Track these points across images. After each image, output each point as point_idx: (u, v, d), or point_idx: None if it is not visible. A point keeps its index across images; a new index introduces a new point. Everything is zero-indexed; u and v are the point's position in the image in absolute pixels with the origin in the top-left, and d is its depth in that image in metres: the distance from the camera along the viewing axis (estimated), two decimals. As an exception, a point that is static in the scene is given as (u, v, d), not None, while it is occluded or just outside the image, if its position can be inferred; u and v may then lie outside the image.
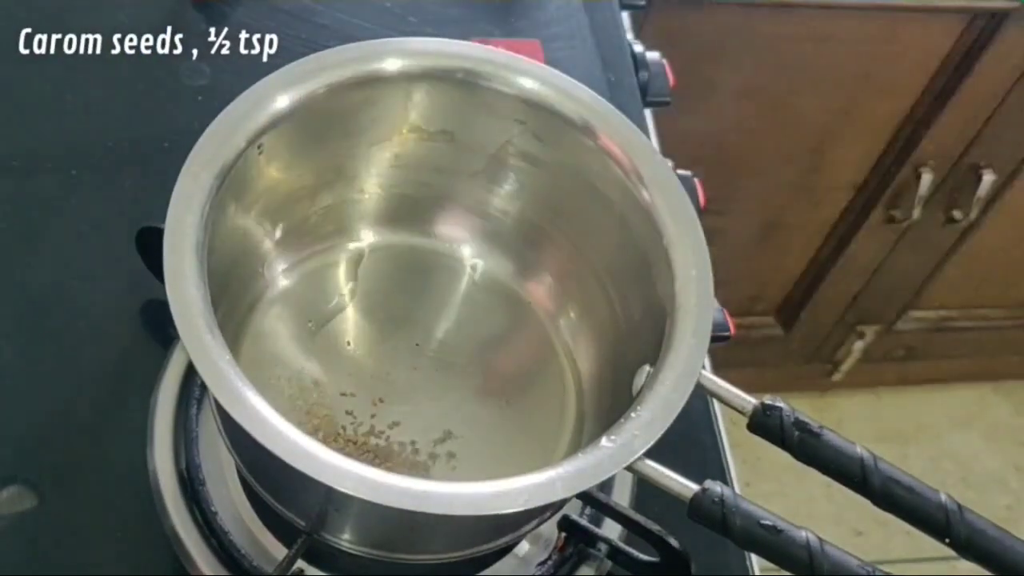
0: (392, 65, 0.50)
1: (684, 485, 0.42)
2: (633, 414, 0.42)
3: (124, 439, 0.54)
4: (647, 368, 0.45)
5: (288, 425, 0.39)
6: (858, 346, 1.46)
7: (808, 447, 0.43)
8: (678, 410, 0.42)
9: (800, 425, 0.43)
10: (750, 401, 0.44)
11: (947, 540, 0.41)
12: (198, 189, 0.43)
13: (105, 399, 0.55)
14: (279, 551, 0.51)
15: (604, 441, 0.41)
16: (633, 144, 0.50)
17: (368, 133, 0.53)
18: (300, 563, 0.51)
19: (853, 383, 1.56)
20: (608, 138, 0.50)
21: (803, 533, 0.41)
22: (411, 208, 0.57)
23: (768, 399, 0.44)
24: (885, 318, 1.44)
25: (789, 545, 0.40)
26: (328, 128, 0.50)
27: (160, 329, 0.58)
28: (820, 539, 0.41)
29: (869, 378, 1.57)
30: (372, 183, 0.55)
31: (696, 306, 0.45)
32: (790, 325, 1.42)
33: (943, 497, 0.42)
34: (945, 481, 1.54)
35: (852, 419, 1.56)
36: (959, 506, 0.41)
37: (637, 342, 0.49)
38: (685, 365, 0.43)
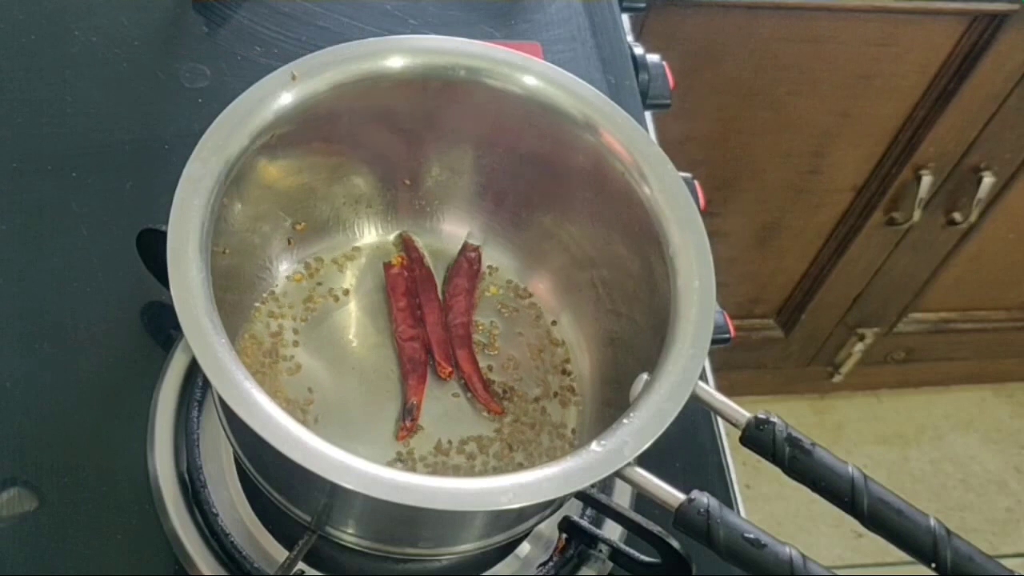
0: (395, 63, 0.50)
1: (671, 494, 0.42)
2: (626, 420, 0.42)
3: (125, 441, 0.54)
4: (644, 376, 0.45)
5: (283, 413, 0.38)
6: (858, 348, 1.46)
7: (799, 464, 0.43)
8: (670, 419, 0.42)
9: (792, 441, 0.43)
10: (743, 414, 0.44)
11: (933, 565, 0.41)
12: (207, 172, 0.43)
13: (106, 401, 0.55)
14: (280, 553, 0.51)
15: (594, 446, 0.41)
16: (635, 141, 0.50)
17: (371, 130, 0.53)
18: (301, 565, 0.51)
19: (853, 385, 1.56)
20: (610, 135, 0.50)
21: (786, 549, 0.40)
22: (415, 205, 0.57)
23: (762, 413, 0.44)
24: (885, 320, 1.44)
25: (771, 559, 0.40)
26: (332, 125, 0.50)
27: (161, 331, 0.58)
28: (803, 555, 0.40)
29: (869, 380, 1.57)
30: (376, 180, 0.55)
31: (696, 316, 0.45)
32: (790, 327, 1.42)
33: (932, 521, 0.41)
34: (945, 483, 1.54)
35: (852, 421, 1.56)
36: (947, 531, 0.41)
37: (638, 349, 0.49)
38: (681, 376, 0.43)
